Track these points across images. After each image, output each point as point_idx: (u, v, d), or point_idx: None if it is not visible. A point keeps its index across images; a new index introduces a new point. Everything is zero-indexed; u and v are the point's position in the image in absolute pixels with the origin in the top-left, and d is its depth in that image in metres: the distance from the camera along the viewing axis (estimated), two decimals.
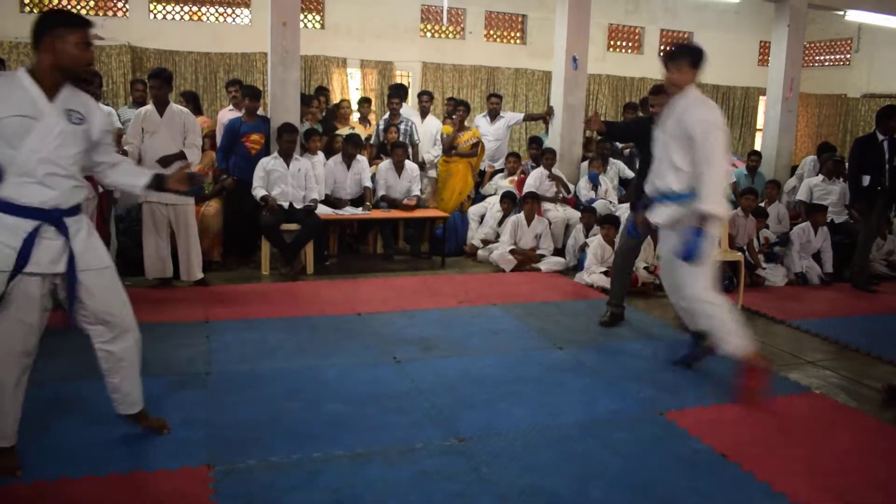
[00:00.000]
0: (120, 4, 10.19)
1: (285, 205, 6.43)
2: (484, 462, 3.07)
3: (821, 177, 8.09)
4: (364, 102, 8.63)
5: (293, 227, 6.41)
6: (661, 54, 4.01)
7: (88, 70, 2.76)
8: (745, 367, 3.85)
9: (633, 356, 4.55)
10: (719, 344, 3.92)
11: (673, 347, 4.62)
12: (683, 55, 3.94)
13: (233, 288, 5.97)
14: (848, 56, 13.20)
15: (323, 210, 6.73)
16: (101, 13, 10.04)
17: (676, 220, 3.97)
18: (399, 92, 8.15)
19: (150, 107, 5.74)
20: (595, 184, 7.89)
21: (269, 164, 6.50)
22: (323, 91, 8.81)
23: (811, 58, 13.58)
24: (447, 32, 12.01)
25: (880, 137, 6.70)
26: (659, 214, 4.08)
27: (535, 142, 8.52)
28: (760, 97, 12.45)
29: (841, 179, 7.80)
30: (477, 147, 8.09)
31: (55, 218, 2.68)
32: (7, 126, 2.57)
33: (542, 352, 4.62)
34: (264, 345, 4.48)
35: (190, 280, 5.88)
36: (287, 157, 6.51)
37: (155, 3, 10.33)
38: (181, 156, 5.62)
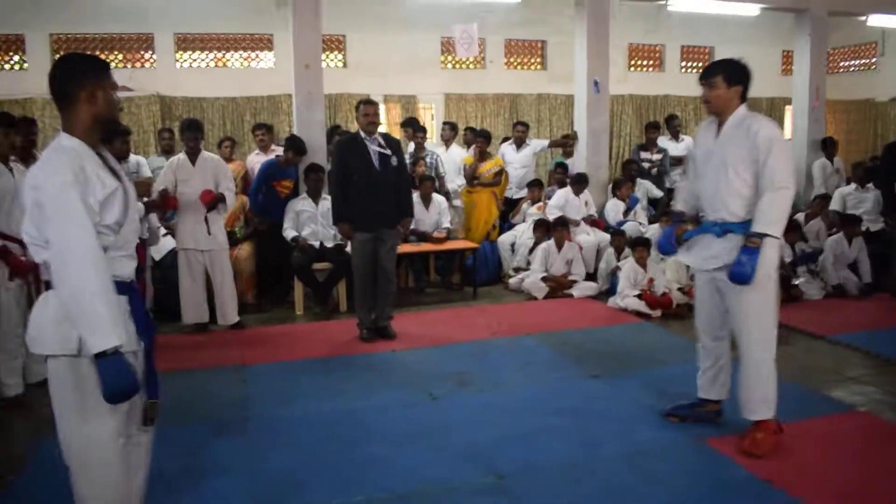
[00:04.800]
0: (147, 56, 10.46)
1: (316, 244, 6.51)
2: (524, 499, 3.04)
3: (853, 185, 7.98)
4: None
5: (325, 265, 6.48)
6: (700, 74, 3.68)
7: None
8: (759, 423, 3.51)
9: (672, 381, 4.46)
10: (747, 405, 3.50)
11: None
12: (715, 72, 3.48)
13: (268, 329, 6.03)
14: (874, 60, 13.01)
15: None
16: (129, 65, 10.32)
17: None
18: (415, 124, 8.15)
19: (181, 155, 5.87)
20: (631, 207, 7.87)
21: (299, 205, 6.61)
22: (336, 129, 8.73)
23: (836, 64, 13.41)
24: (468, 63, 12.11)
25: None
26: (718, 253, 3.51)
27: (559, 166, 8.50)
28: (786, 107, 12.29)
29: (874, 186, 7.67)
30: (500, 175, 8.07)
31: (134, 290, 2.40)
32: (112, 205, 2.26)
33: (578, 381, 4.59)
34: (301, 387, 4.51)
35: (226, 324, 5.95)
36: (315, 196, 6.61)
37: (181, 52, 10.59)
38: (221, 198, 5.72)
